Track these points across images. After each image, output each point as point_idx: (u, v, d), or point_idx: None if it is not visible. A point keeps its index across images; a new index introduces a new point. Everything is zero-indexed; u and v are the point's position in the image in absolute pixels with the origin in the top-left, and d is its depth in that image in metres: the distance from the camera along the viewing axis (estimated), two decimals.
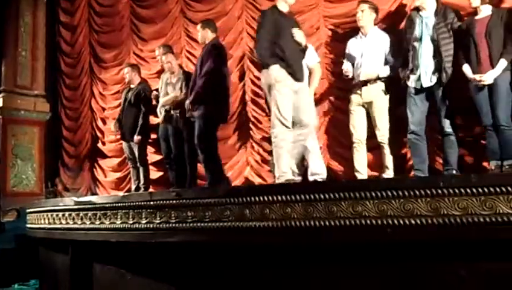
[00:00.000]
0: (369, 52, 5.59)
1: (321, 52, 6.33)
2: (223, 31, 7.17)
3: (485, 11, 5.01)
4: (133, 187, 7.38)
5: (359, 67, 5.59)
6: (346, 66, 5.65)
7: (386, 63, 5.58)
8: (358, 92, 5.60)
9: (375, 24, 5.76)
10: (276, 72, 4.84)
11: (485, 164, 5.16)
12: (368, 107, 5.55)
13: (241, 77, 7.09)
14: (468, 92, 5.02)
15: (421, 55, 5.21)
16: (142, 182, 7.22)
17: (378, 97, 5.50)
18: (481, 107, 4.92)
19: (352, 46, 5.77)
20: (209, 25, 6.18)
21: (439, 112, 5.16)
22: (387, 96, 5.52)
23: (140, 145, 7.18)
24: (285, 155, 4.84)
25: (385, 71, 5.53)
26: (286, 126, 4.82)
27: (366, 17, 5.67)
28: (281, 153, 4.82)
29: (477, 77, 4.90)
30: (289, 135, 4.87)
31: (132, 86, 7.44)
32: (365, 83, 5.52)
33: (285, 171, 4.80)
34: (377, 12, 5.74)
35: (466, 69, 5.00)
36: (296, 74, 4.92)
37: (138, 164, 7.25)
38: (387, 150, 5.48)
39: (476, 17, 5.05)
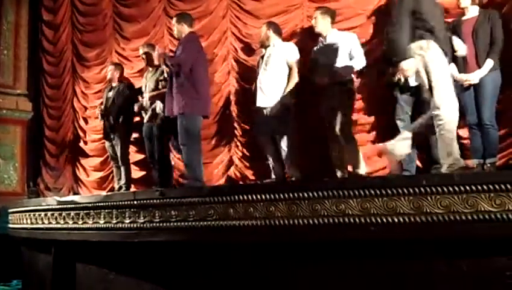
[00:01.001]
0: (329, 56, 5.62)
1: (305, 52, 6.34)
2: (207, 31, 7.17)
3: (473, 11, 5.05)
4: (116, 187, 7.34)
5: (320, 71, 5.61)
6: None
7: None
8: (329, 95, 5.63)
9: (336, 27, 5.84)
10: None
11: (468, 162, 5.19)
12: (335, 108, 5.54)
13: (225, 77, 7.08)
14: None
15: None
16: (123, 181, 7.18)
17: (343, 97, 5.51)
18: (466, 106, 4.97)
19: (315, 52, 5.84)
20: (185, 18, 6.05)
21: (424, 111, 5.20)
22: (349, 95, 5.55)
23: (122, 144, 7.15)
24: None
25: (348, 70, 5.55)
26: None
27: (319, 23, 5.71)
28: (452, 138, 4.11)
29: (463, 77, 4.94)
30: None
31: (114, 84, 7.41)
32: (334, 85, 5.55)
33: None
34: (332, 15, 5.78)
35: (452, 68, 5.04)
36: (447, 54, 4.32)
37: (120, 163, 7.21)
38: (349, 146, 5.45)
39: (464, 18, 5.10)
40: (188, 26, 6.02)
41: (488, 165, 4.82)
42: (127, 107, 7.18)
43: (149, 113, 6.66)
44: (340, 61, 5.58)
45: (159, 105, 6.52)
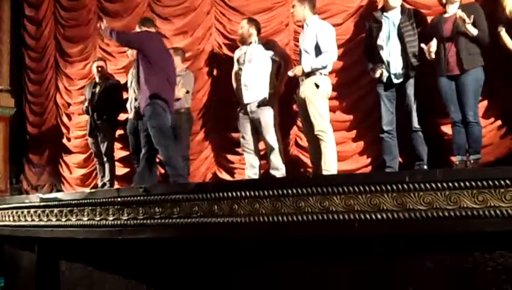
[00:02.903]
0: (305, 47, 5.54)
1: (290, 48, 6.36)
2: (191, 27, 7.14)
3: (453, 8, 5.06)
4: (100, 183, 7.29)
5: (300, 64, 5.59)
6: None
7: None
8: (299, 88, 5.61)
9: (316, 13, 5.68)
10: None
11: (453, 158, 5.23)
12: (305, 102, 5.49)
13: (210, 73, 7.06)
14: (437, 88, 5.09)
15: (389, 54, 5.27)
16: (107, 178, 7.13)
17: (310, 91, 5.40)
18: (449, 103, 5.00)
19: (300, 42, 5.79)
20: (148, 23, 6.10)
21: (408, 109, 5.23)
22: (321, 90, 5.40)
23: (108, 141, 7.11)
24: None
25: (311, 65, 5.41)
26: None
27: (297, 10, 5.62)
28: None
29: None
30: None
31: (98, 80, 7.35)
32: (302, 78, 5.52)
33: None
34: (311, 2, 5.63)
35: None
36: None
37: (105, 160, 7.17)
38: (326, 147, 5.32)
39: (445, 15, 5.11)
40: (149, 28, 6.01)
41: (472, 161, 4.86)
42: (112, 104, 7.14)
43: (134, 110, 6.62)
44: (310, 52, 5.50)
45: None
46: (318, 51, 5.44)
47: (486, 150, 5.13)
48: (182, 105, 6.40)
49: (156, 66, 5.60)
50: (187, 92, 6.41)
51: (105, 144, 7.11)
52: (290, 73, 5.52)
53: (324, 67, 5.43)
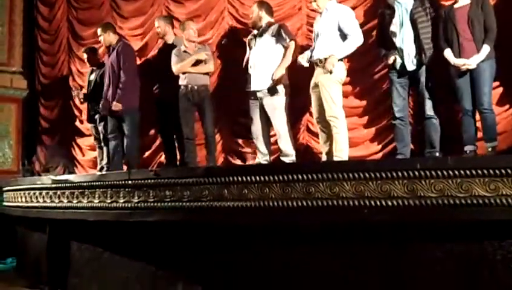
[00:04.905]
0: (323, 31, 5.46)
1: (303, 33, 6.32)
2: (204, 10, 7.12)
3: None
4: (98, 167, 7.25)
5: (314, 48, 5.53)
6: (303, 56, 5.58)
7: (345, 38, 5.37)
8: (314, 73, 5.55)
9: None
10: None
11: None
12: (318, 87, 5.46)
13: (221, 57, 7.03)
14: (449, 76, 5.04)
15: (402, 40, 5.21)
16: (105, 161, 7.08)
17: (324, 76, 5.33)
18: (462, 92, 4.95)
19: (315, 26, 5.73)
20: (109, 27, 6.56)
21: (421, 96, 5.19)
22: (334, 75, 5.31)
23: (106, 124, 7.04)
24: None
25: (342, 52, 5.34)
26: None
27: (322, 1, 5.51)
28: None
29: (461, 61, 4.91)
30: None
31: (95, 67, 7.31)
32: (317, 64, 5.46)
33: None
34: None
35: (448, 54, 5.00)
36: None
37: (103, 143, 7.11)
38: (337, 133, 5.25)
39: (456, 6, 5.04)
40: (113, 33, 6.58)
41: (489, 149, 4.82)
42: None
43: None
44: (329, 39, 5.41)
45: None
46: (342, 35, 5.38)
47: (499, 138, 5.08)
48: (206, 81, 6.41)
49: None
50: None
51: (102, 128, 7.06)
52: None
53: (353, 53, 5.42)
